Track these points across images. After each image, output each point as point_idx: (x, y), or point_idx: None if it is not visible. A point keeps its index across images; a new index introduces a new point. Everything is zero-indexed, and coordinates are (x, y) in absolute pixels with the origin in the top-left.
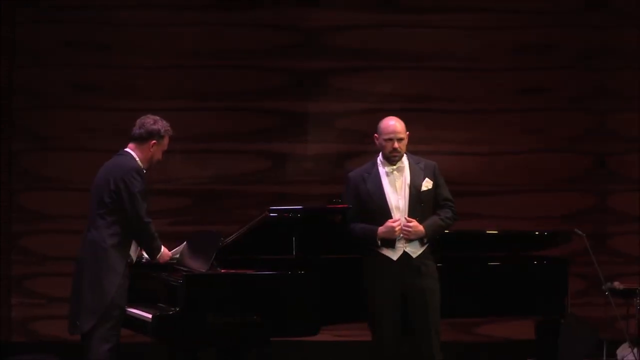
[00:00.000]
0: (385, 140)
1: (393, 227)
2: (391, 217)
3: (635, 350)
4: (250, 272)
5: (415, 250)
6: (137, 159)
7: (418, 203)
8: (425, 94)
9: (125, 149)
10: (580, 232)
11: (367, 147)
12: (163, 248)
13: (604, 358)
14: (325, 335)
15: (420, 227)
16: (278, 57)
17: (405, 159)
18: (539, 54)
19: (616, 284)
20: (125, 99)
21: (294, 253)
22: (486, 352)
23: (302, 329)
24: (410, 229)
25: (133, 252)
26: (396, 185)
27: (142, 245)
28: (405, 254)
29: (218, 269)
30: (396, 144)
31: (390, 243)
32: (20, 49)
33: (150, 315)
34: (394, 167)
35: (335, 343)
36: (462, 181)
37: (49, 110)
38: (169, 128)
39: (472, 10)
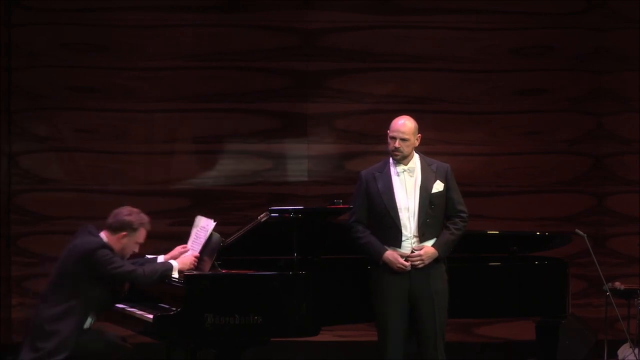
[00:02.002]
0: (390, 137)
1: (396, 262)
2: (399, 218)
3: (636, 350)
4: (251, 272)
5: None
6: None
7: (428, 205)
8: (424, 95)
9: (99, 232)
10: (580, 233)
11: (366, 147)
12: (175, 262)
13: (605, 358)
14: (325, 336)
15: (432, 250)
16: (278, 58)
17: (417, 160)
18: (539, 55)
19: (617, 284)
20: (124, 101)
21: (294, 253)
22: (486, 353)
23: (302, 329)
24: (422, 257)
25: (88, 324)
26: (406, 186)
27: (157, 283)
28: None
29: (219, 269)
30: (397, 143)
31: (398, 241)
32: (18, 50)
33: (151, 316)
34: (406, 167)
35: (335, 343)
36: (462, 182)
37: (48, 112)
38: (145, 221)
39: (471, 11)
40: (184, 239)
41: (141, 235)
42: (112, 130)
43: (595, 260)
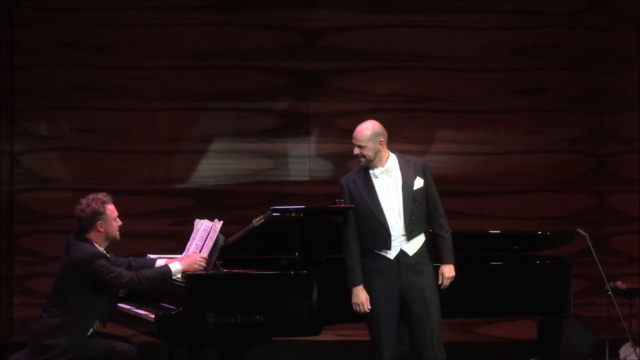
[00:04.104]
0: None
1: (359, 303)
2: (386, 220)
3: (638, 349)
4: (252, 272)
5: (412, 248)
6: (97, 245)
7: (412, 202)
8: (425, 94)
9: (86, 236)
10: (582, 232)
11: None
12: (178, 264)
13: (607, 358)
14: (327, 335)
15: (447, 267)
16: (279, 57)
17: (394, 159)
18: (539, 54)
19: (619, 283)
20: (125, 100)
21: (296, 253)
22: (487, 352)
23: (304, 329)
24: (448, 279)
25: (91, 331)
26: (388, 187)
27: (156, 285)
28: (402, 252)
29: (220, 268)
30: (356, 150)
31: (387, 243)
32: (19, 50)
33: (153, 316)
34: (383, 168)
35: (337, 343)
36: (463, 181)
37: (49, 111)
38: (105, 198)
39: (472, 11)
40: (184, 238)
41: (111, 211)
42: (113, 130)
43: (596, 259)
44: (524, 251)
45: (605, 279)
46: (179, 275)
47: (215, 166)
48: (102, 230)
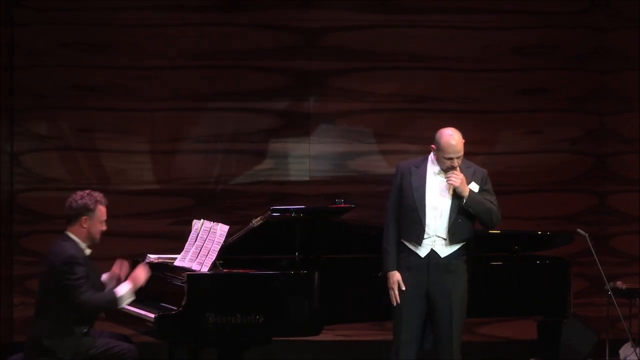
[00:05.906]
0: (445, 158)
1: (392, 287)
2: (425, 215)
3: (638, 350)
4: (252, 271)
5: (446, 250)
6: (77, 240)
7: (459, 204)
8: (425, 94)
9: (67, 232)
10: (582, 233)
11: (368, 146)
12: (118, 289)
13: (607, 358)
14: (327, 335)
15: (467, 187)
16: (279, 57)
17: None
18: (540, 54)
19: (619, 283)
20: (125, 100)
21: (296, 253)
22: (488, 352)
23: (304, 329)
24: (458, 175)
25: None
26: (440, 186)
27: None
28: (433, 251)
29: (220, 268)
30: (456, 162)
31: (419, 238)
32: (19, 50)
33: (153, 315)
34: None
35: (337, 343)
36: None
37: (49, 111)
38: (99, 198)
39: (472, 11)
40: (184, 238)
41: (101, 213)
42: (113, 130)
43: (596, 259)
44: (524, 251)
45: (605, 279)
46: (126, 294)
47: (215, 166)
48: (85, 227)
